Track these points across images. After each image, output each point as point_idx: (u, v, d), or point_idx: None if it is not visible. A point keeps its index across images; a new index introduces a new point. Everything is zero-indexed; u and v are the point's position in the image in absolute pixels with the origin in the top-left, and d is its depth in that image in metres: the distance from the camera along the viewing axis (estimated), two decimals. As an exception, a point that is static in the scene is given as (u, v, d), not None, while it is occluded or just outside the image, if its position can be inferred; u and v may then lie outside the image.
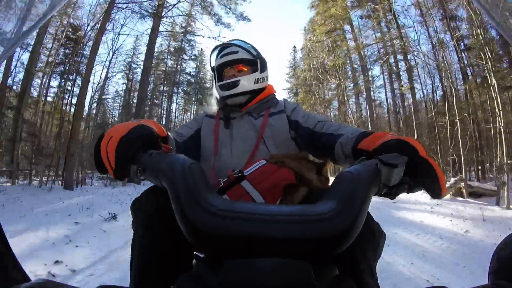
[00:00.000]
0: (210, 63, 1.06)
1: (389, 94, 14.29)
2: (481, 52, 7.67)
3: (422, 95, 12.46)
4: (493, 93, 7.30)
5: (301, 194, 0.69)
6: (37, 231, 3.34)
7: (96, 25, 10.04)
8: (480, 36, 7.99)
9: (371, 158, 0.48)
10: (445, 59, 10.02)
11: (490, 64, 7.47)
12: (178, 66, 17.82)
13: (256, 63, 0.99)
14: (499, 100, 7.08)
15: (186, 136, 0.94)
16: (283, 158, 0.75)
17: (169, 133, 0.60)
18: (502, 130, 7.08)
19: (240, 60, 0.98)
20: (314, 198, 0.40)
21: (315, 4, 14.60)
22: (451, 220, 4.61)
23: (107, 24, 9.69)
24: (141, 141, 0.45)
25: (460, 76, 10.30)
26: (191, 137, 0.95)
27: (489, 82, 7.44)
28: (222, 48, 1.02)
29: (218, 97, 1.01)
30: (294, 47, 23.18)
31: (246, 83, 0.96)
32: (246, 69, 0.98)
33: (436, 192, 0.44)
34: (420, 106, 12.51)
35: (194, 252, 0.68)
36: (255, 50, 1.02)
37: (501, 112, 6.98)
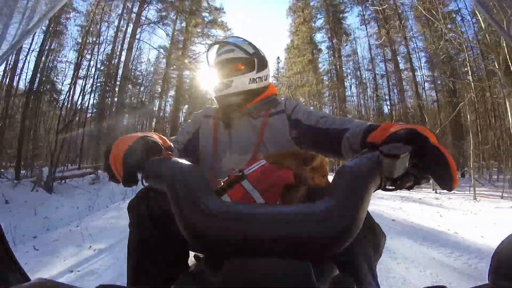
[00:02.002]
0: (208, 61, 1.03)
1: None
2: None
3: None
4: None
5: (300, 193, 0.67)
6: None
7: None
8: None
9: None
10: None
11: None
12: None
13: (252, 62, 0.95)
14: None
15: (184, 141, 0.93)
16: (279, 157, 0.73)
17: (171, 144, 0.61)
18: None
19: (235, 59, 0.94)
20: (314, 197, 0.39)
21: (287, 49, 20.86)
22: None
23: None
24: (144, 151, 0.46)
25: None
26: (190, 141, 0.94)
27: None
28: (219, 46, 0.99)
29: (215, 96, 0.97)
30: (278, 57, 24.83)
31: (240, 83, 0.93)
32: (242, 68, 0.95)
33: (447, 182, 0.39)
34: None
35: (194, 253, 0.68)
36: (254, 48, 0.98)
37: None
